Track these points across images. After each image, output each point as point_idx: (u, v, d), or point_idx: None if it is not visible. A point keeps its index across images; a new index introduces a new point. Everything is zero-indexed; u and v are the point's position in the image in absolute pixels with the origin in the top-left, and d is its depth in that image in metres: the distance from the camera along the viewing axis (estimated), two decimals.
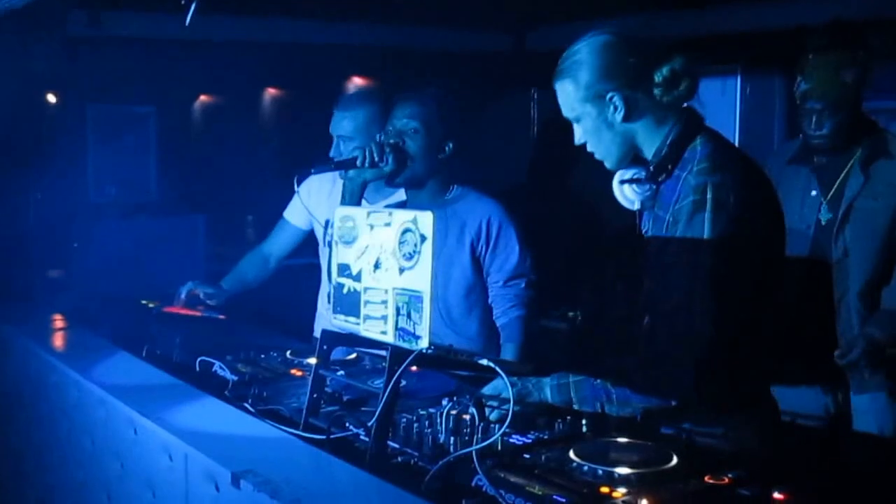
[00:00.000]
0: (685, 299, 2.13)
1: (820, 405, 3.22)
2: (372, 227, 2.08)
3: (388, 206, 3.24)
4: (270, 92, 5.92)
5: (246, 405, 2.31)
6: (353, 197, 3.15)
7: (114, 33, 4.88)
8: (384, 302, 2.02)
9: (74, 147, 5.16)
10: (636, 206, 2.35)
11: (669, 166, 2.24)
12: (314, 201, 3.60)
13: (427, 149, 3.06)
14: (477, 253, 3.10)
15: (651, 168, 2.26)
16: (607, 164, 2.35)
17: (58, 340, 3.29)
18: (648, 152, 2.29)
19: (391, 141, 3.05)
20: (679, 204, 2.17)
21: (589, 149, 2.33)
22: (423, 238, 1.93)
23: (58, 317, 3.51)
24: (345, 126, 3.43)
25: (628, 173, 2.34)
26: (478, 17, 5.75)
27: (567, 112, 2.32)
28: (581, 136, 2.32)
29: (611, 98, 2.23)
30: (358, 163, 3.06)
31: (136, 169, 5.39)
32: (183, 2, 2.96)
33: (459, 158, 3.15)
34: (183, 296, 3.42)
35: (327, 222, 3.55)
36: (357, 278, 2.11)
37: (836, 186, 3.16)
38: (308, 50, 5.43)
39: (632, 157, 2.31)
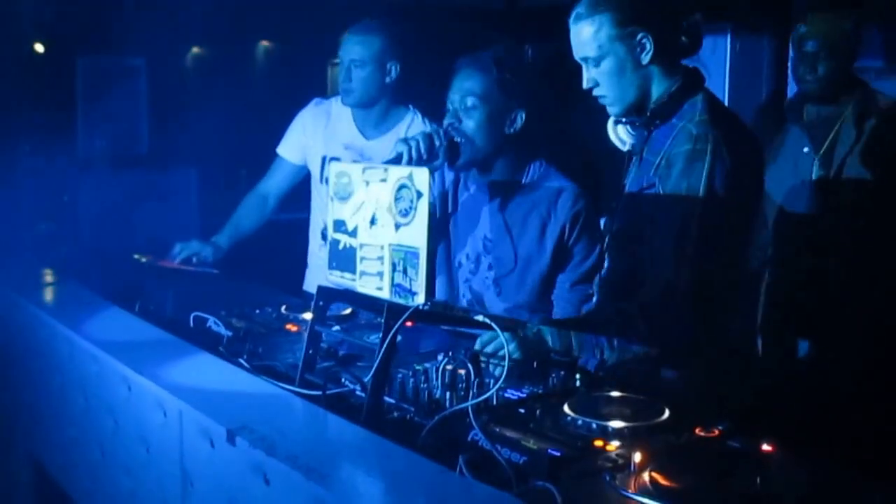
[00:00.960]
0: (683, 245, 2.20)
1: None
2: (367, 183, 2.06)
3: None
4: (263, 44, 5.86)
5: (241, 361, 2.30)
6: None
7: None
8: (380, 258, 2.01)
9: (64, 99, 5.10)
10: (627, 148, 2.42)
11: (667, 114, 2.31)
12: (309, 136, 3.57)
13: (488, 125, 2.65)
14: (558, 250, 2.74)
15: (648, 113, 2.33)
16: (615, 109, 2.37)
17: (48, 295, 3.26)
18: (650, 99, 2.35)
19: (446, 124, 2.69)
20: (677, 149, 2.24)
21: (599, 92, 2.35)
22: (420, 194, 1.92)
23: (48, 271, 3.48)
24: (357, 51, 3.39)
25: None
26: None
27: (588, 51, 2.31)
28: (592, 78, 2.33)
29: (641, 38, 2.28)
30: (403, 162, 2.60)
31: (127, 122, 5.34)
32: None
33: (538, 129, 2.74)
34: (177, 260, 3.40)
35: (323, 158, 3.54)
36: (353, 234, 2.10)
37: (827, 143, 3.17)
38: (301, 2, 5.37)
39: (641, 100, 2.34)
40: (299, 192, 3.73)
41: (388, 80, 3.43)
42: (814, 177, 3.19)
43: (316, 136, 3.54)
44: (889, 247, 3.12)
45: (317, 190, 3.59)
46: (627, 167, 2.46)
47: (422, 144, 2.60)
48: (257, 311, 2.82)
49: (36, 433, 3.02)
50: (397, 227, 1.97)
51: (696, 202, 2.19)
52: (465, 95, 2.65)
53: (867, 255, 3.14)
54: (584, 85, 2.36)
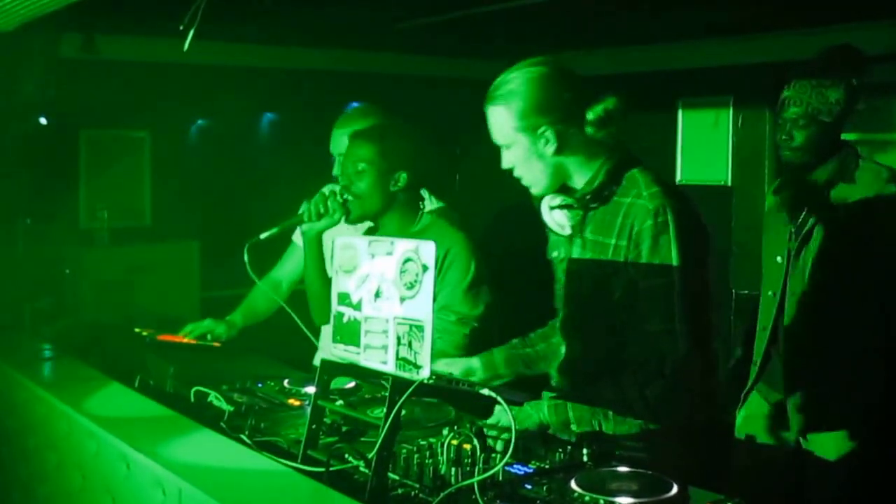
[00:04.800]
0: (669, 319, 2.20)
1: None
2: (373, 255, 2.06)
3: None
4: (266, 117, 5.91)
5: (242, 437, 2.27)
6: (311, 247, 3.14)
7: (109, 57, 4.87)
8: (385, 331, 1.99)
9: (67, 172, 5.13)
10: (567, 232, 2.39)
11: (606, 193, 2.29)
12: None
13: (375, 185, 3.02)
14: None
15: (587, 196, 2.31)
16: (534, 191, 2.39)
17: (46, 371, 3.23)
18: (580, 181, 2.34)
19: (338, 186, 3.05)
20: (637, 228, 2.23)
21: (516, 174, 2.37)
22: (425, 267, 1.91)
23: (47, 346, 3.45)
24: (345, 143, 3.40)
25: (557, 199, 2.39)
26: (472, 47, 5.78)
27: (498, 138, 2.35)
28: (509, 161, 2.36)
29: (543, 132, 2.28)
30: (305, 218, 3.07)
31: (130, 194, 5.35)
32: (182, 27, 2.95)
33: (420, 186, 3.11)
34: (190, 337, 3.37)
35: (333, 241, 3.53)
36: (357, 307, 2.09)
37: (802, 215, 3.08)
38: (304, 76, 5.43)
39: (560, 185, 2.36)
40: None
41: None
42: (792, 250, 3.09)
43: None
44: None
45: (330, 272, 3.59)
46: (563, 247, 2.42)
47: (319, 203, 3.04)
48: (259, 385, 2.78)
49: None
50: (402, 300, 1.96)
51: (674, 274, 2.18)
52: (356, 162, 3.03)
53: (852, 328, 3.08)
54: (503, 165, 2.37)
